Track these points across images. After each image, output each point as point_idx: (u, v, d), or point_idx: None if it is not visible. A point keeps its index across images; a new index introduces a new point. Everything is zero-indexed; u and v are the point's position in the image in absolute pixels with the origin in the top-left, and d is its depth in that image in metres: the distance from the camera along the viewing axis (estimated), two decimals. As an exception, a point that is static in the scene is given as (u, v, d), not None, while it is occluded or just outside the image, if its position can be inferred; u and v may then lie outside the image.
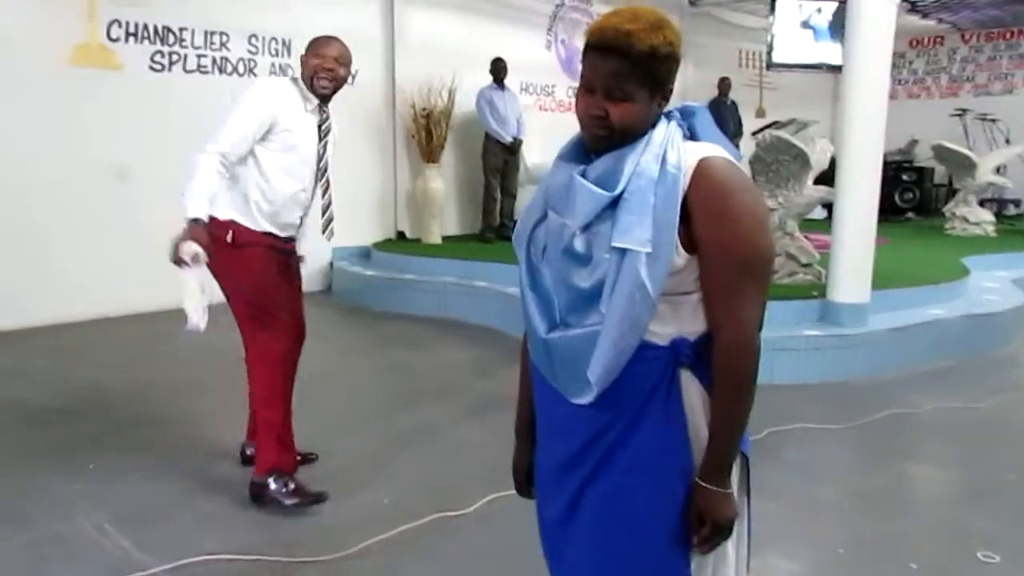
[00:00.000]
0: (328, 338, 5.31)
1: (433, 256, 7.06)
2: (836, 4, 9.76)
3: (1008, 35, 12.35)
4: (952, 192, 10.50)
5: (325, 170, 3.13)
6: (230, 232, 2.96)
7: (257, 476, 3.06)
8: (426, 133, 7.60)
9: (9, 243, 5.41)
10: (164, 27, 6.10)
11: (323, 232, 3.23)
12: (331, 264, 7.25)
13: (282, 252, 3.12)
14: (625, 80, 1.34)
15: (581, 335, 1.38)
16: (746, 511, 1.55)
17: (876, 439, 4.02)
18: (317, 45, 3.06)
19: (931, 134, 10.41)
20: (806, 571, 2.87)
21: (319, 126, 3.09)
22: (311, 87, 3.03)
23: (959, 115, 11.18)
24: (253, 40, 6.66)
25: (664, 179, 1.34)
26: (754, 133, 8.08)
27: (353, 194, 7.05)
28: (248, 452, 3.37)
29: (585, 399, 1.41)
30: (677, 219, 1.33)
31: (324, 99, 3.09)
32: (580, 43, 1.43)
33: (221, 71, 6.46)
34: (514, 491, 1.76)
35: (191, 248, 2.68)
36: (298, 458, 3.45)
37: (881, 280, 5.37)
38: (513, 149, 7.87)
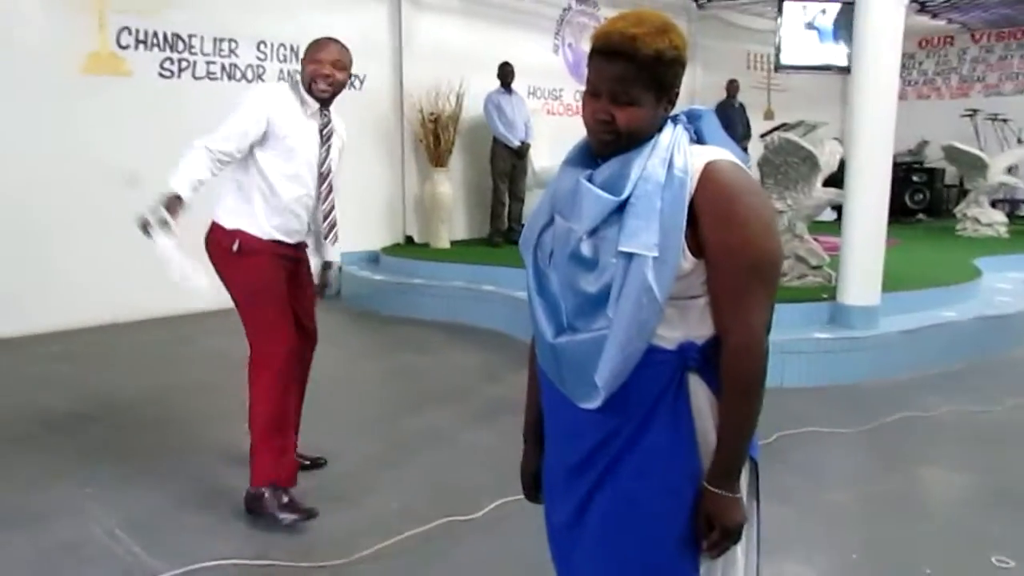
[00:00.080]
0: (337, 343, 5.32)
1: (441, 260, 7.06)
2: (840, 5, 9.73)
3: (1019, 34, 12.27)
4: (963, 193, 10.45)
5: (327, 175, 3.11)
6: (236, 241, 2.95)
7: (252, 488, 3.01)
8: (434, 138, 7.61)
9: (21, 248, 5.44)
10: (173, 34, 6.14)
11: (325, 238, 3.22)
12: (340, 268, 7.23)
13: (290, 259, 3.11)
14: (631, 84, 1.34)
15: (588, 339, 1.38)
16: (755, 516, 1.54)
17: (888, 443, 4.00)
18: (315, 49, 3.04)
19: (942, 135, 10.36)
20: (818, 576, 2.85)
21: (320, 130, 3.07)
22: (310, 91, 3.02)
23: (970, 115, 11.13)
24: (262, 46, 6.69)
25: (671, 183, 1.34)
26: (763, 135, 8.04)
27: (362, 199, 7.08)
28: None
29: (593, 404, 1.41)
30: (684, 223, 1.33)
31: (324, 103, 3.06)
32: (587, 47, 1.43)
33: (230, 77, 6.49)
34: (522, 496, 1.76)
35: (160, 212, 2.67)
36: (307, 462, 3.47)
37: (892, 282, 5.34)
38: (521, 153, 7.87)
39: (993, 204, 10.04)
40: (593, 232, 1.38)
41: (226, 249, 2.96)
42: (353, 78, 7.20)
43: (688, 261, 1.34)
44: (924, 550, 2.95)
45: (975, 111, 11.21)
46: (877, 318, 5.12)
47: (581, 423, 1.45)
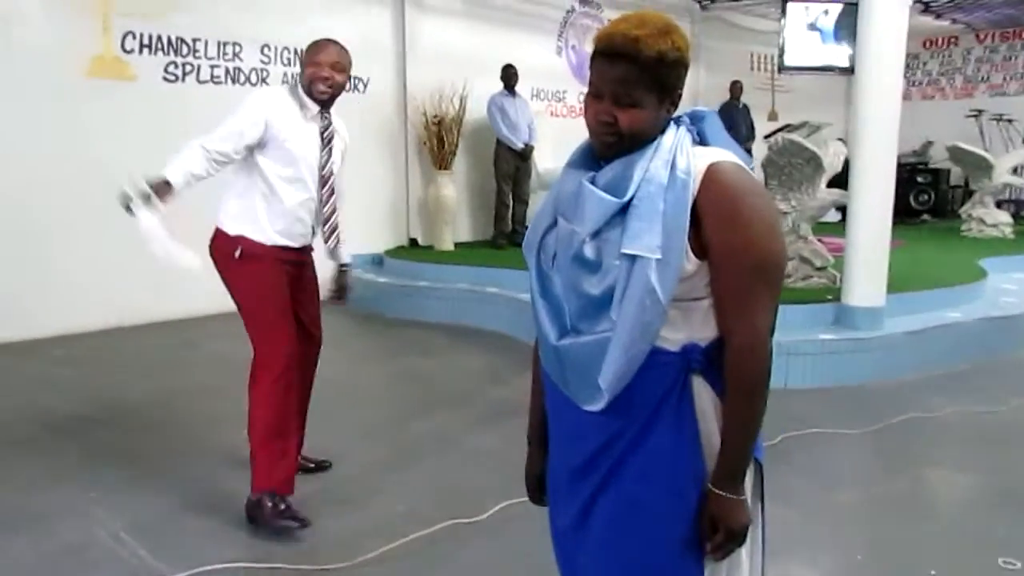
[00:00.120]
0: (341, 345, 5.32)
1: (445, 263, 7.06)
2: (841, 6, 9.72)
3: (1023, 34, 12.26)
4: (968, 193, 10.43)
5: (328, 178, 3.09)
6: (239, 248, 2.94)
7: (252, 495, 2.98)
8: (438, 140, 7.62)
9: (25, 251, 5.46)
10: (178, 38, 6.15)
11: (326, 241, 3.18)
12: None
13: (294, 263, 3.09)
14: (633, 86, 1.34)
15: (592, 342, 1.38)
16: (760, 517, 1.54)
17: (893, 444, 3.99)
18: (313, 51, 3.02)
19: (946, 135, 10.35)
20: (823, 577, 2.84)
21: (321, 133, 3.05)
22: (310, 94, 3.00)
23: (974, 116, 11.11)
24: (265, 50, 6.70)
25: (674, 184, 1.34)
26: (766, 136, 8.04)
27: (366, 201, 7.09)
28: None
29: (596, 406, 1.40)
30: (687, 225, 1.32)
31: (324, 105, 3.05)
32: (590, 49, 1.43)
33: (234, 81, 6.50)
34: (527, 498, 1.76)
35: (143, 187, 2.66)
36: (311, 465, 3.48)
37: (897, 283, 5.33)
38: (525, 155, 7.87)
39: (998, 204, 10.03)
40: (596, 234, 1.38)
41: (229, 255, 2.95)
42: (356, 81, 7.32)
43: (691, 263, 1.34)
44: (929, 551, 2.94)
45: (980, 111, 11.19)
46: (882, 319, 5.11)
47: (585, 425, 1.45)
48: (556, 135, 8.33)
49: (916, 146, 11.42)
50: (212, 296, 3.00)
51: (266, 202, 2.95)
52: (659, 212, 1.32)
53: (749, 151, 9.52)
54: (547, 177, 7.99)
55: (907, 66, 10.05)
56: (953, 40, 12.85)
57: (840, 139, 6.63)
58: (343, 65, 3.04)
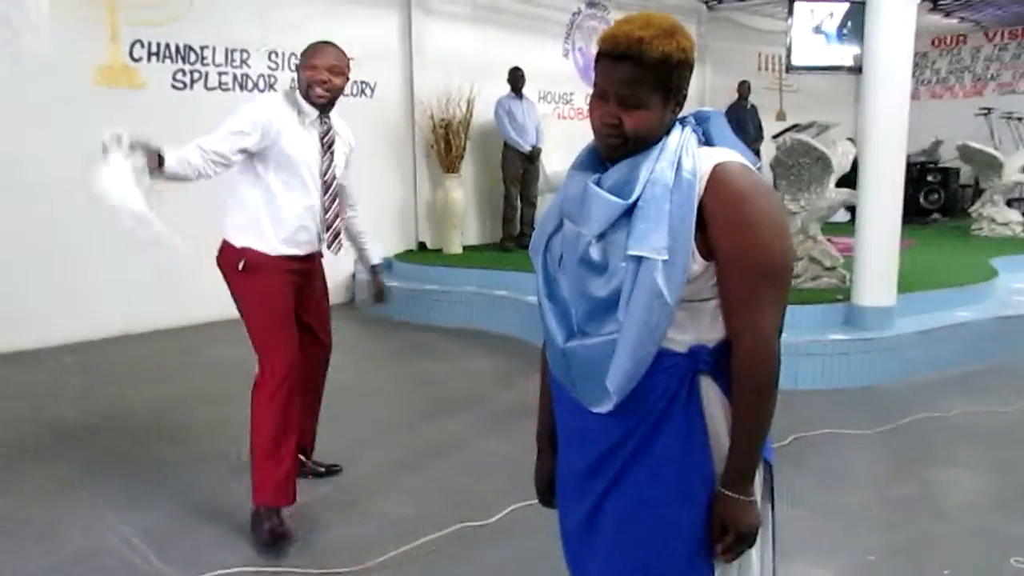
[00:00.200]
0: (351, 349, 5.33)
1: (454, 266, 7.07)
2: (846, 8, 9.68)
3: (1033, 32, 12.21)
4: (979, 192, 10.38)
5: (331, 183, 3.05)
6: (243, 260, 2.91)
7: (252, 506, 2.96)
8: (445, 144, 7.63)
9: (38, 262, 5.49)
10: (186, 46, 6.18)
11: (328, 247, 3.14)
12: (353, 276, 7.28)
13: (300, 272, 3.05)
14: (638, 87, 1.34)
15: (599, 344, 1.37)
16: (770, 519, 1.53)
17: (905, 444, 3.97)
18: (310, 55, 2.97)
19: (956, 134, 10.30)
20: (835, 579, 2.83)
21: (321, 138, 3.00)
22: (308, 98, 2.95)
23: (984, 114, 11.05)
24: (273, 56, 6.72)
25: (679, 186, 1.33)
26: (774, 136, 8.02)
27: (374, 205, 7.07)
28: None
29: (604, 408, 1.40)
30: (693, 226, 1.32)
31: (323, 109, 3.00)
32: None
33: (242, 88, 6.53)
34: (537, 501, 1.76)
35: (116, 129, 2.60)
36: (322, 469, 3.48)
37: (907, 283, 5.30)
38: (532, 158, 7.88)
39: (1009, 203, 9.97)
40: (602, 236, 1.38)
41: (234, 267, 2.93)
42: (364, 85, 7.34)
43: (698, 264, 1.34)
44: (942, 552, 2.93)
45: (989, 110, 11.14)
46: (892, 319, 5.09)
47: (593, 427, 1.45)
48: (564, 137, 8.34)
49: (926, 145, 11.37)
50: (221, 303, 3.00)
51: (268, 211, 2.92)
52: (665, 213, 1.32)
53: (757, 152, 9.51)
54: (555, 179, 7.99)
55: (916, 65, 10.00)
56: (962, 39, 12.79)
57: (850, 139, 6.62)
58: (341, 68, 2.99)
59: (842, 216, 7.21)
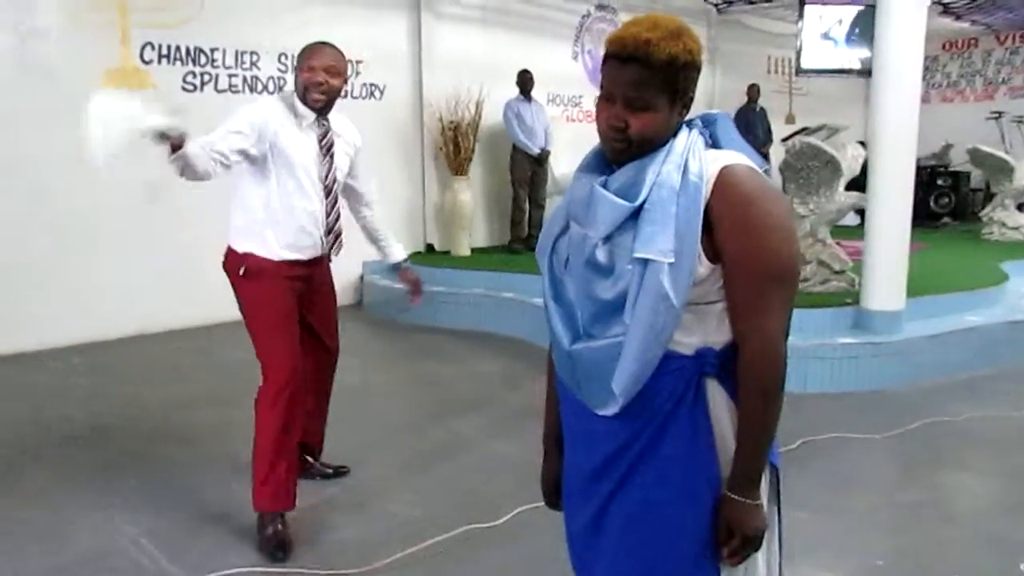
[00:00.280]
0: (359, 351, 5.34)
1: (462, 268, 7.07)
2: (855, 14, 9.66)
3: (1045, 36, 12.14)
4: (989, 196, 10.33)
5: (331, 187, 3.00)
6: (243, 266, 2.89)
7: (254, 509, 2.95)
8: (454, 146, 7.63)
9: (48, 263, 5.51)
10: (196, 48, 6.21)
11: (328, 250, 3.08)
12: (361, 278, 7.30)
13: (303, 277, 3.01)
14: (645, 89, 1.34)
15: (605, 346, 1.37)
16: (777, 522, 1.53)
17: (913, 448, 3.95)
18: (306, 56, 2.91)
19: (966, 138, 10.26)
20: (843, 583, 2.82)
21: (319, 141, 2.96)
22: (304, 101, 2.90)
23: (995, 118, 11.00)
24: (283, 58, 6.74)
25: (686, 188, 1.33)
26: (784, 139, 8.00)
27: (382, 207, 7.06)
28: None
29: (610, 410, 1.40)
30: (699, 228, 1.32)
31: (321, 112, 2.94)
32: (606, 53, 1.42)
33: (252, 90, 6.55)
34: (543, 503, 1.75)
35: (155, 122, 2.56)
36: (329, 471, 3.49)
37: (916, 287, 5.28)
38: (541, 160, 7.89)
39: (1020, 207, 9.89)
40: (608, 239, 1.37)
41: (235, 271, 2.92)
42: (373, 88, 7.35)
43: (704, 266, 1.34)
44: (950, 557, 2.92)
45: (1000, 114, 11.08)
46: (901, 323, 5.07)
47: (599, 430, 1.44)
48: (572, 140, 8.33)
49: (936, 149, 11.32)
50: (231, 304, 3.00)
51: (269, 217, 2.89)
52: (671, 216, 1.32)
53: (767, 155, 9.48)
54: (563, 182, 7.99)
55: (926, 68, 9.95)
56: (973, 42, 12.73)
57: (860, 142, 6.60)
58: (338, 68, 2.93)
59: (851, 219, 7.17)
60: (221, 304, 3.00)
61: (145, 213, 5.84)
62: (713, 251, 1.34)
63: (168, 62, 6.08)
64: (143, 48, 5.93)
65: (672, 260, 1.30)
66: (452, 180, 7.77)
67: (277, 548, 2.84)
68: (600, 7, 9.46)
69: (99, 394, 4.66)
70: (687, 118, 1.44)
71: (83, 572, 2.74)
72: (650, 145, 1.37)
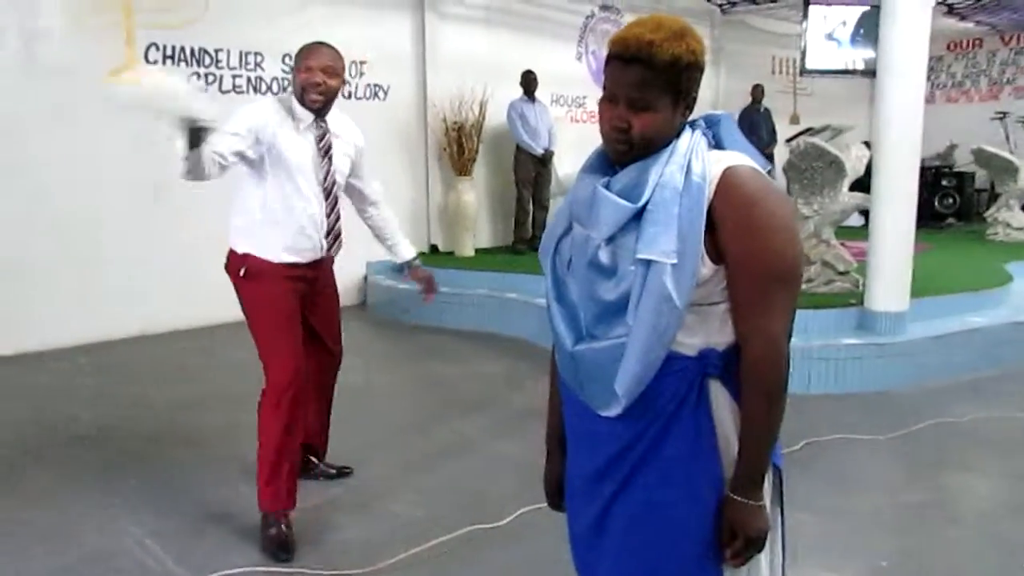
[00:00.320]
0: (363, 351, 5.35)
1: (466, 269, 7.07)
2: (859, 15, 9.64)
3: (1050, 36, 12.11)
4: (994, 197, 10.30)
5: (331, 189, 2.96)
6: (243, 268, 2.88)
7: (260, 510, 2.96)
8: (458, 146, 7.64)
9: (52, 263, 5.53)
10: (200, 49, 6.22)
11: (329, 250, 3.04)
12: (365, 278, 7.30)
13: (304, 279, 2.99)
14: (648, 89, 1.34)
15: (607, 347, 1.37)
16: (780, 523, 1.53)
17: (918, 450, 3.95)
18: (304, 57, 2.88)
19: (971, 138, 10.23)
20: (846, 584, 2.82)
21: (316, 143, 2.92)
22: (302, 102, 2.88)
23: (1000, 118, 10.98)
24: (287, 59, 6.74)
25: (689, 189, 1.33)
26: (788, 140, 7.99)
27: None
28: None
29: (613, 411, 1.40)
30: (703, 229, 1.32)
31: (319, 113, 2.91)
32: (610, 53, 1.42)
33: (256, 90, 6.56)
34: (546, 504, 1.75)
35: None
36: (333, 471, 3.49)
37: (921, 288, 5.27)
38: (545, 161, 7.89)
39: (1024, 208, 9.89)
40: (611, 240, 1.37)
41: (236, 273, 2.92)
42: (377, 88, 7.36)
43: (707, 267, 1.34)
44: (955, 558, 2.91)
45: (1005, 114, 11.05)
46: (905, 324, 5.06)
47: (602, 431, 1.45)
48: (576, 140, 8.33)
49: (941, 149, 11.30)
50: (235, 304, 3.00)
51: (267, 219, 2.87)
52: (674, 217, 1.32)
53: (771, 155, 9.48)
54: (567, 182, 7.99)
55: (931, 69, 9.92)
56: (978, 42, 12.70)
57: (865, 142, 6.59)
58: (336, 69, 2.90)
59: (856, 220, 7.16)
60: (225, 304, 3.00)
61: (148, 213, 5.85)
62: (716, 252, 1.34)
63: (172, 63, 6.09)
64: (147, 49, 5.95)
65: (675, 261, 1.30)
66: (456, 181, 7.77)
67: (280, 549, 2.85)
68: (604, 7, 9.46)
69: (105, 394, 4.67)
70: (690, 119, 1.44)
71: (88, 573, 2.75)
72: (653, 146, 1.37)
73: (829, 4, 9.78)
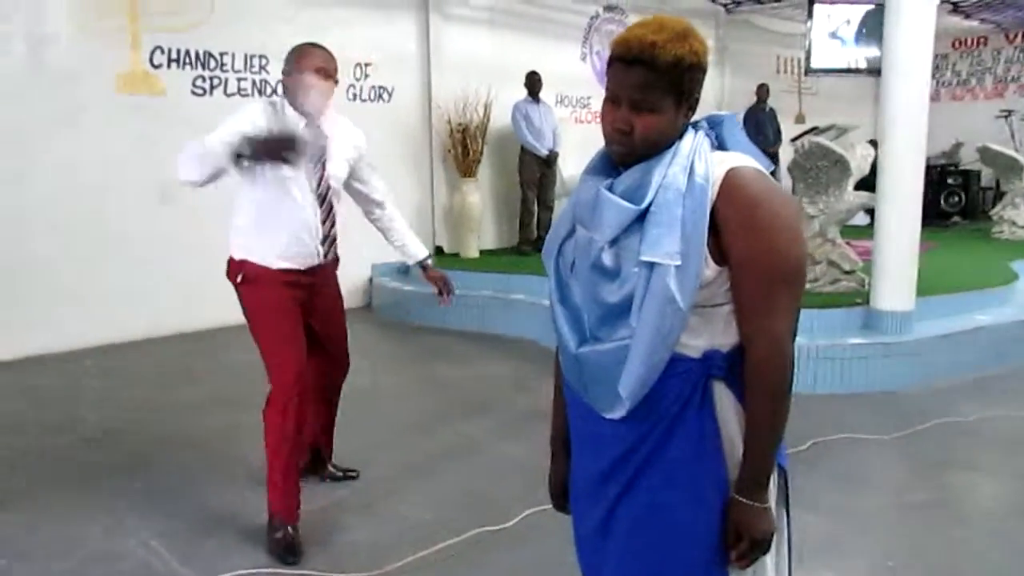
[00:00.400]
0: (368, 353, 5.35)
1: (471, 270, 7.06)
2: (863, 13, 9.62)
3: (1054, 34, 12.08)
4: (999, 195, 10.28)
5: (325, 195, 2.91)
6: (241, 273, 2.87)
7: (271, 511, 2.95)
8: (462, 148, 7.65)
9: (57, 266, 5.55)
10: (205, 52, 6.23)
11: (326, 256, 2.99)
12: (370, 280, 7.31)
13: (302, 285, 2.94)
14: (651, 91, 1.34)
15: (611, 349, 1.37)
16: (785, 524, 1.53)
17: (924, 449, 3.94)
18: (296, 59, 2.84)
19: (976, 136, 10.22)
20: (853, 585, 2.82)
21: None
22: (294, 106, 2.83)
23: (1005, 116, 10.95)
24: (291, 61, 6.76)
25: (692, 190, 1.33)
26: (793, 139, 7.98)
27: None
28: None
29: (617, 413, 1.40)
30: (706, 231, 1.32)
31: (311, 117, 2.86)
32: (613, 54, 1.42)
33: (261, 93, 6.57)
34: (552, 505, 1.75)
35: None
36: (339, 474, 3.50)
37: (926, 286, 5.26)
38: (549, 162, 7.89)
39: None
40: (614, 242, 1.37)
41: (234, 279, 2.91)
42: (381, 90, 7.36)
43: (711, 269, 1.34)
44: (962, 558, 2.91)
45: (1010, 112, 11.02)
46: (911, 323, 5.05)
47: (606, 433, 1.45)
48: (581, 141, 8.32)
49: (946, 147, 11.27)
50: (238, 307, 3.01)
51: (260, 226, 2.84)
52: (677, 218, 1.32)
53: (776, 155, 9.46)
54: (572, 184, 7.96)
55: (936, 67, 9.89)
56: (983, 40, 12.67)
57: (872, 141, 6.57)
58: (329, 71, 2.85)
59: (861, 219, 7.15)
60: (230, 307, 3.00)
61: (154, 216, 5.86)
62: (719, 253, 1.34)
63: (178, 66, 6.10)
64: (153, 52, 5.96)
65: (678, 263, 1.30)
66: (461, 182, 7.78)
67: (287, 552, 2.85)
68: (609, 8, 9.46)
69: (110, 397, 4.68)
70: (693, 119, 1.43)
71: (93, 574, 2.76)
72: (655, 147, 1.37)
73: (833, 3, 9.76)
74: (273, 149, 2.53)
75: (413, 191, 7.81)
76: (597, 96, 9.25)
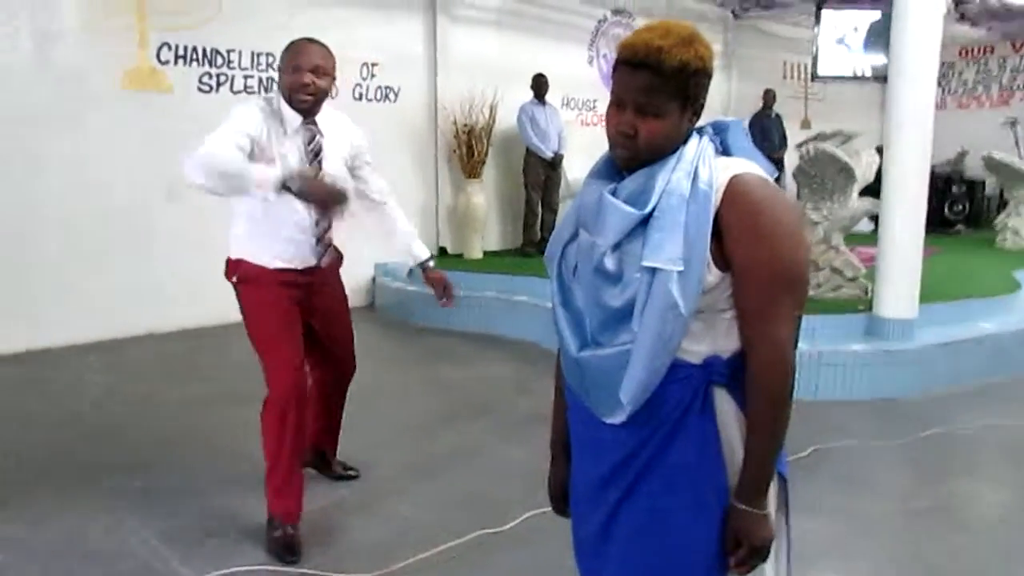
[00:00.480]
0: (370, 353, 5.31)
1: (475, 271, 7.06)
2: (871, 21, 9.60)
3: (1061, 43, 12.06)
4: (1004, 204, 10.26)
5: None
6: (237, 273, 2.86)
7: (270, 511, 2.94)
8: (467, 149, 7.65)
9: (64, 261, 5.56)
10: (212, 49, 6.24)
11: (320, 257, 2.96)
12: (373, 280, 7.32)
13: (299, 285, 2.91)
14: (656, 95, 1.34)
15: (612, 354, 1.37)
16: (785, 531, 1.53)
17: (926, 457, 3.93)
18: (292, 56, 2.77)
19: (982, 145, 10.18)
20: (852, 592, 2.81)
21: (305, 146, 2.81)
22: (290, 103, 2.77)
23: (1010, 125, 10.93)
24: (298, 60, 6.77)
25: (696, 196, 1.33)
26: (798, 145, 7.96)
27: (395, 210, 7.12)
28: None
29: (618, 418, 1.40)
30: (709, 237, 1.32)
31: (307, 114, 2.80)
32: (620, 58, 1.42)
33: (267, 90, 6.56)
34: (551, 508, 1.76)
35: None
36: (341, 472, 3.50)
37: (929, 294, 5.25)
38: (554, 164, 7.89)
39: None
40: (617, 246, 1.37)
41: (231, 278, 2.90)
42: (388, 90, 7.37)
43: (714, 275, 1.34)
44: (962, 565, 2.90)
45: (1015, 120, 11.01)
46: (914, 330, 5.04)
47: (606, 437, 1.45)
48: (586, 144, 8.32)
49: (951, 155, 11.26)
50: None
51: (255, 225, 2.81)
52: (680, 224, 1.32)
53: (781, 160, 9.46)
54: (576, 186, 7.99)
55: (942, 75, 9.87)
56: (989, 49, 12.66)
57: (878, 148, 6.57)
58: (326, 68, 2.78)
59: (865, 226, 7.14)
60: (233, 303, 3.00)
61: (159, 213, 5.88)
62: (722, 259, 1.34)
63: (184, 63, 6.11)
64: (159, 49, 5.97)
65: (681, 268, 1.30)
66: (465, 183, 7.78)
67: (286, 551, 2.85)
68: (616, 11, 9.45)
69: (113, 393, 4.69)
70: (698, 125, 1.44)
71: (93, 573, 2.76)
72: (660, 152, 1.38)
73: (841, 9, 9.75)
74: (323, 200, 2.59)
75: (418, 191, 7.81)
76: (603, 99, 9.20)
